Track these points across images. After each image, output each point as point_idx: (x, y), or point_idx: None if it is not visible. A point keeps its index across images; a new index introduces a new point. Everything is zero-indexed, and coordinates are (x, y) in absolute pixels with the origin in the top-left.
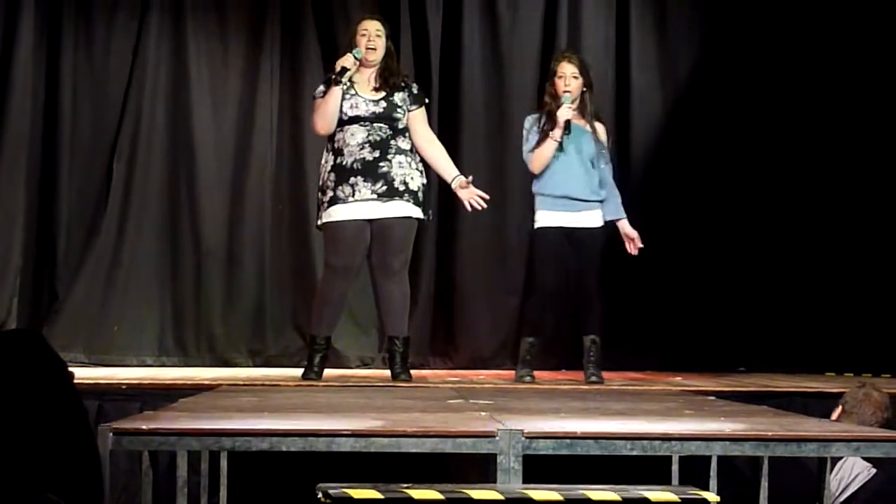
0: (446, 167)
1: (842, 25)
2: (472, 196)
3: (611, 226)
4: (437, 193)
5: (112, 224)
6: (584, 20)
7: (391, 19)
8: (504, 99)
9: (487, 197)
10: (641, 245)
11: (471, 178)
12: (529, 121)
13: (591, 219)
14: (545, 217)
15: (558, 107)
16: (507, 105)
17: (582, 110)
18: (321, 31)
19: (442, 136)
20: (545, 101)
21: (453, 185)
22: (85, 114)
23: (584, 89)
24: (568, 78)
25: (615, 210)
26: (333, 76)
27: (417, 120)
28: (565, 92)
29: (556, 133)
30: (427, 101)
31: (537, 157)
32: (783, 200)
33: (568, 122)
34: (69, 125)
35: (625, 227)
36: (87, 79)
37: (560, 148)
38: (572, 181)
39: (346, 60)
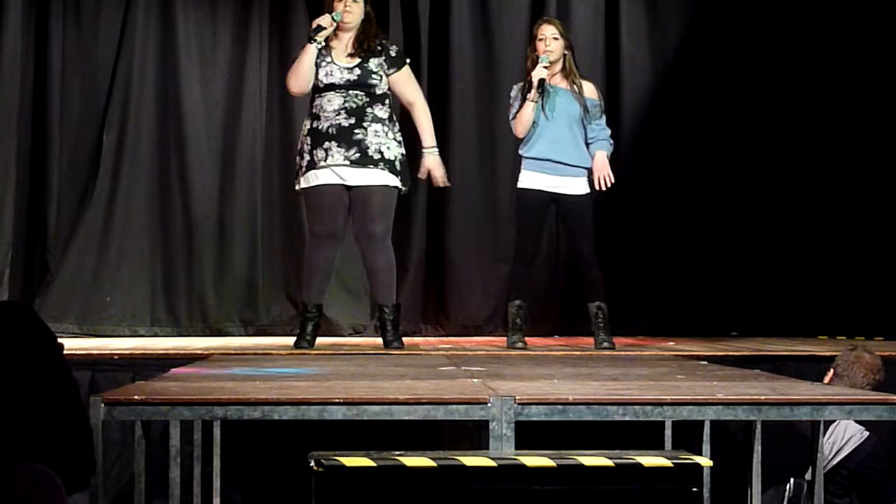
0: (423, 133)
1: None
2: (435, 174)
3: (596, 196)
4: None
5: (102, 195)
6: None
7: None
8: (493, 67)
9: (447, 184)
10: (605, 181)
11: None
12: (514, 89)
13: (576, 185)
14: (528, 178)
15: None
16: (496, 73)
17: (566, 73)
18: None
19: (432, 105)
20: (527, 67)
21: (424, 154)
22: (74, 85)
23: (566, 52)
24: (549, 39)
25: (599, 145)
26: (309, 36)
27: (398, 83)
28: (544, 53)
29: (532, 93)
30: (408, 61)
31: (518, 120)
32: (774, 165)
33: (542, 82)
34: (58, 97)
35: (597, 159)
36: (76, 49)
37: (543, 111)
38: (556, 145)
39: (324, 20)
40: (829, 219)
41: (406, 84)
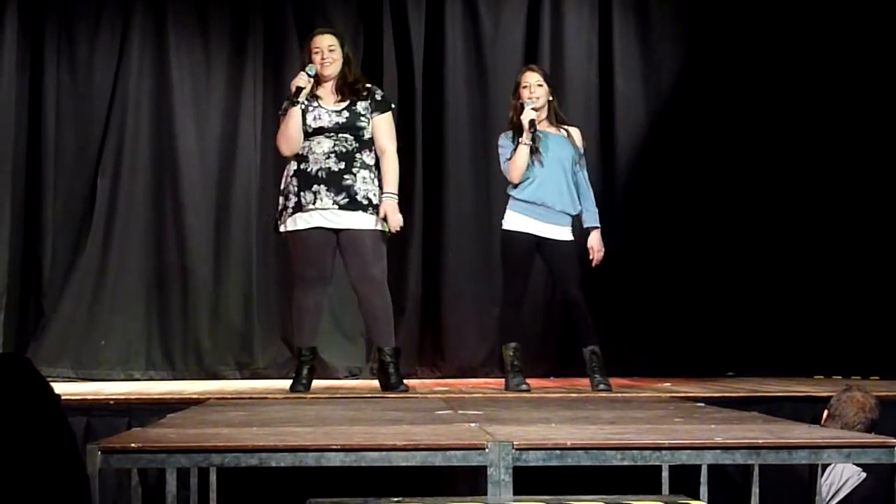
0: (386, 178)
1: (825, 34)
2: (391, 219)
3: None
4: (422, 204)
5: (97, 239)
6: (567, 28)
7: (374, 29)
8: (488, 108)
9: (399, 230)
10: (599, 261)
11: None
12: (503, 137)
13: (562, 232)
14: (514, 220)
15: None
16: (490, 114)
17: (552, 118)
18: (304, 42)
19: (426, 147)
20: (510, 116)
21: (382, 199)
22: (68, 130)
23: (550, 98)
24: (532, 87)
25: (590, 218)
26: (290, 98)
27: (378, 127)
28: (528, 98)
29: (524, 136)
30: (393, 107)
31: (513, 165)
32: (769, 205)
33: (532, 122)
34: (53, 142)
35: (592, 238)
36: (71, 95)
37: (535, 155)
38: (547, 190)
39: (300, 80)
40: (825, 258)
41: (383, 129)
